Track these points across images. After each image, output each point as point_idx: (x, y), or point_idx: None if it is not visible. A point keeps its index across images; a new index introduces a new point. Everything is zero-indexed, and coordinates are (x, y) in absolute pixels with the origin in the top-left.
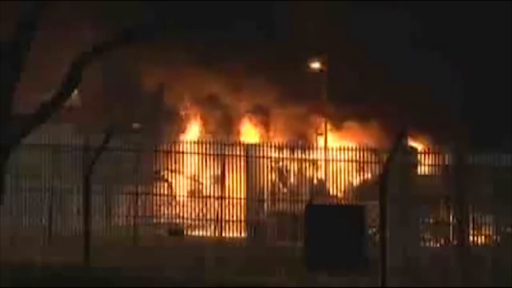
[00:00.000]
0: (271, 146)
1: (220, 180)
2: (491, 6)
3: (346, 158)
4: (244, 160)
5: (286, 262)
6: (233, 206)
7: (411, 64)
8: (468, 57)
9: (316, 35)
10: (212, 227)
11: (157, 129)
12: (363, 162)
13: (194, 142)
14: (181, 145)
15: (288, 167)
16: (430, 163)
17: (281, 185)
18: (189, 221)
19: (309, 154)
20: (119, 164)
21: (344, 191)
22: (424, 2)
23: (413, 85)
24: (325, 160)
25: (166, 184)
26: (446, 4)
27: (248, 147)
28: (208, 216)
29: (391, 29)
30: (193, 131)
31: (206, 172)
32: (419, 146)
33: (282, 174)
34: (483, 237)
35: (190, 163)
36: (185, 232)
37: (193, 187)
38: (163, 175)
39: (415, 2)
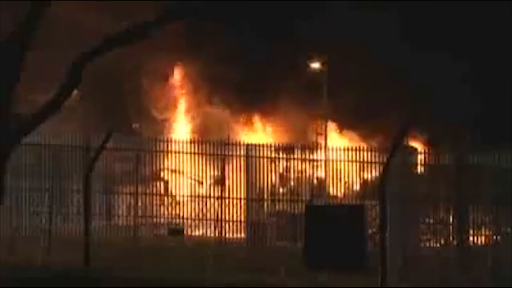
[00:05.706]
0: (271, 146)
1: (220, 180)
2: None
3: (347, 158)
4: (244, 160)
5: (286, 262)
6: (233, 206)
7: (410, 64)
8: (467, 57)
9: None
10: (212, 227)
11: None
12: (363, 162)
13: (195, 142)
14: (181, 145)
15: (288, 167)
16: (430, 163)
17: (281, 186)
18: (189, 221)
19: (309, 154)
20: (119, 164)
21: (344, 191)
22: (426, 2)
23: (413, 85)
24: (325, 160)
25: (164, 184)
26: (448, 4)
27: (248, 147)
28: (208, 216)
29: (391, 28)
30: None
31: (206, 172)
32: (419, 146)
33: (282, 174)
34: (483, 237)
35: (190, 163)
36: (185, 232)
37: (192, 187)
38: (162, 176)
39: (419, 2)
